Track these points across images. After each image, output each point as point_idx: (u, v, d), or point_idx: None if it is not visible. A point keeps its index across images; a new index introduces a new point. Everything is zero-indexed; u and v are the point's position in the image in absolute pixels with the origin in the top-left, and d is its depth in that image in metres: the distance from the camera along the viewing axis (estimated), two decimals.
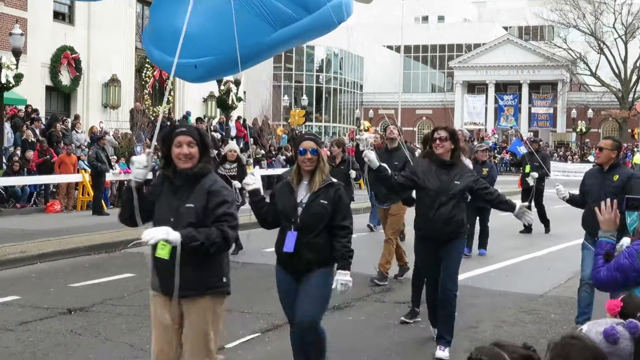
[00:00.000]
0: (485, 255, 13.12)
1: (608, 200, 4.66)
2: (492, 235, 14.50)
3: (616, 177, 7.51)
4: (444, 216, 6.82)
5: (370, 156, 6.79)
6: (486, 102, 68.84)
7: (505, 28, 75.57)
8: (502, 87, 69.44)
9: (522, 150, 18.37)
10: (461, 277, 10.98)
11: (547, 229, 17.20)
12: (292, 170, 5.56)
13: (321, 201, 5.31)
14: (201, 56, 7.19)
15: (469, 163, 8.67)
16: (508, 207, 7.06)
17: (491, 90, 69.03)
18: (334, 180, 5.45)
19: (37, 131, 23.31)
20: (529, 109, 68.23)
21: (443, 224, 6.83)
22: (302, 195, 5.41)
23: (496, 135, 65.02)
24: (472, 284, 10.48)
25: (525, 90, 68.19)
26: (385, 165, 6.94)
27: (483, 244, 13.34)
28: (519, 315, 8.60)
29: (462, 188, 6.87)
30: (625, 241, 5.84)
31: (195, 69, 7.34)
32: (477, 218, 13.15)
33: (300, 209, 5.36)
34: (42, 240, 13.02)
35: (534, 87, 68.68)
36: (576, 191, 8.15)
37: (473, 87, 70.87)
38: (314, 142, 5.49)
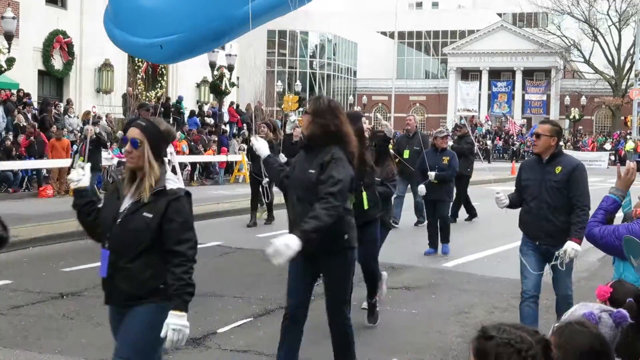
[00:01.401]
0: (448, 253, 11.69)
1: (634, 167, 4.52)
2: (483, 221, 14.51)
3: (558, 169, 6.29)
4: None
5: (257, 144, 5.75)
6: (480, 89, 68.80)
7: (500, 14, 75.46)
8: (495, 74, 69.39)
9: None
10: (453, 263, 11.06)
11: (471, 216, 16.06)
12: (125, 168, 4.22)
13: (144, 214, 3.92)
14: (167, 34, 6.52)
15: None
16: None
17: (485, 77, 68.99)
18: (173, 186, 4.01)
19: (29, 115, 23.20)
20: (523, 95, 68.25)
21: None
22: (126, 203, 4.05)
23: (489, 122, 65.09)
24: (464, 269, 10.51)
25: (518, 77, 68.18)
26: (274, 156, 5.89)
27: (444, 238, 11.79)
28: (511, 301, 8.61)
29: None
30: (570, 245, 6.11)
31: (161, 49, 6.67)
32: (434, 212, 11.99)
33: (117, 222, 4.02)
34: (34, 224, 12.99)
35: (528, 74, 68.67)
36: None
37: (467, 74, 70.82)
38: (140, 129, 4.02)
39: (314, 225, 4.84)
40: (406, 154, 13.94)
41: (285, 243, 4.66)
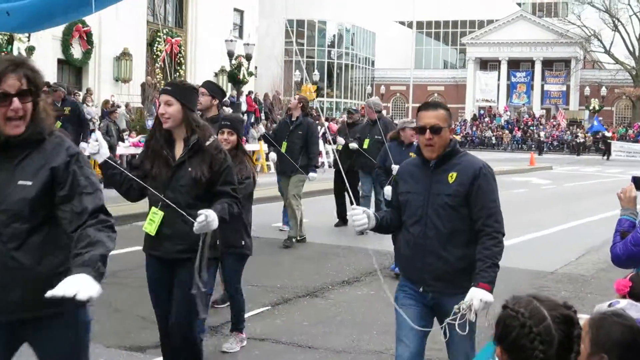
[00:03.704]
0: None
1: (630, 185, 4.24)
2: (503, 211, 14.46)
3: (452, 176, 4.21)
4: None
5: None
6: (498, 79, 68.45)
7: (519, 4, 74.91)
8: (514, 64, 68.98)
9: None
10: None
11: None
12: None
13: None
14: (14, 0, 5.77)
15: None
16: None
17: (504, 67, 68.58)
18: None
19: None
20: (542, 86, 67.80)
21: None
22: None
23: (508, 113, 64.76)
24: None
25: (538, 67, 67.71)
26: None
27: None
28: (529, 292, 8.59)
29: None
30: (476, 295, 3.95)
31: (9, 16, 5.80)
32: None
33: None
34: None
35: (547, 64, 68.18)
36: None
37: (485, 64, 70.43)
38: None
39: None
40: (366, 143, 11.98)
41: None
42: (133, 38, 32.53)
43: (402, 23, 74.38)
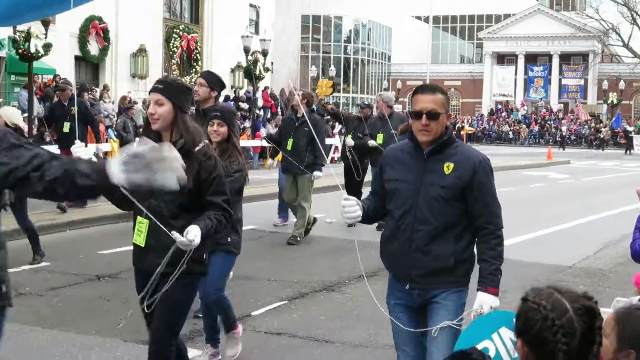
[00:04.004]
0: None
1: None
2: (520, 205, 14.38)
3: (449, 167, 3.90)
4: None
5: None
6: (515, 74, 68.15)
7: None
8: (532, 58, 68.61)
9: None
10: None
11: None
12: None
13: None
14: None
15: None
16: None
17: (521, 62, 68.24)
18: None
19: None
20: (560, 80, 67.40)
21: None
22: None
23: (525, 107, 64.47)
24: None
25: (555, 62, 67.32)
26: None
27: None
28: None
29: None
30: (485, 301, 3.81)
31: None
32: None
33: None
34: (72, 208, 13.12)
35: (565, 58, 67.75)
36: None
37: (502, 58, 70.11)
38: None
39: None
40: (379, 138, 11.96)
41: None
42: (150, 34, 32.63)
43: (419, 18, 74.18)
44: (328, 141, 29.16)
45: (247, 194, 15.45)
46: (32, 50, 21.28)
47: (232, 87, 37.20)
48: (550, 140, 54.58)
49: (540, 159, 33.40)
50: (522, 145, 54.94)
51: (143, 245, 4.22)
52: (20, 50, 20.85)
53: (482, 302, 3.82)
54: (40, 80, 23.96)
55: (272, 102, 33.78)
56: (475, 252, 4.04)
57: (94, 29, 30.07)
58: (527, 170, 27.99)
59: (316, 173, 10.93)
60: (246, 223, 12.02)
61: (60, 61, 26.48)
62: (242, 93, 34.92)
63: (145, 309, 4.20)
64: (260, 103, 33.29)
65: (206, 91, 7.05)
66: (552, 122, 59.04)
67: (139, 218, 4.23)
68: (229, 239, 5.66)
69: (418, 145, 3.97)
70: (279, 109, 31.89)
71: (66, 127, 13.05)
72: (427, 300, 4.00)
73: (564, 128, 54.71)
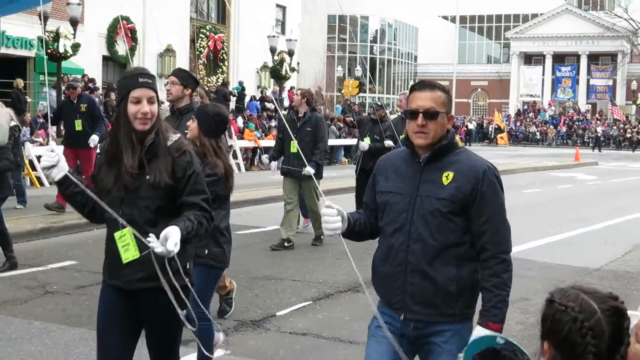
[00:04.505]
0: None
1: None
2: (547, 207, 14.29)
3: (448, 177, 3.34)
4: None
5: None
6: (543, 74, 67.63)
7: None
8: (559, 58, 68.07)
9: None
10: (515, 249, 10.86)
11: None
12: None
13: None
14: None
15: None
16: None
17: (548, 62, 67.73)
18: None
19: (96, 100, 23.62)
20: (588, 80, 66.81)
21: None
22: None
23: (553, 108, 64.00)
24: (525, 256, 10.35)
25: (583, 62, 66.74)
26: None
27: None
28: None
29: None
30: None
31: None
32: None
33: None
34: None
35: (593, 58, 67.14)
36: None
37: (530, 59, 69.63)
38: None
39: None
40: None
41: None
42: (177, 34, 32.83)
43: (445, 18, 73.88)
44: (345, 142, 29.19)
45: (270, 195, 15.54)
46: (61, 50, 21.49)
47: (258, 87, 37.34)
48: (578, 141, 54.10)
49: (567, 160, 33.15)
50: (550, 146, 54.55)
51: (138, 256, 3.56)
52: (49, 51, 21.05)
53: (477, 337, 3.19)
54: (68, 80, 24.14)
55: None
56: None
57: (121, 29, 30.28)
58: (554, 172, 27.79)
59: (307, 169, 9.95)
60: (271, 223, 12.11)
61: (88, 61, 26.74)
62: (268, 93, 35.03)
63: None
64: (286, 103, 33.37)
65: (179, 89, 6.65)
66: (580, 122, 58.52)
67: (117, 234, 3.58)
68: (207, 251, 4.99)
69: (414, 151, 3.43)
70: None
71: (78, 125, 12.79)
72: (425, 337, 3.41)
73: (599, 129, 53.87)
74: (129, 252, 3.57)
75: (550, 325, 2.32)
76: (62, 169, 3.63)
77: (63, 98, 15.51)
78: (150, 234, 3.36)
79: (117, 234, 3.59)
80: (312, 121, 10.43)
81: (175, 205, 3.61)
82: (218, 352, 5.67)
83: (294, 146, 10.01)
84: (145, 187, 3.56)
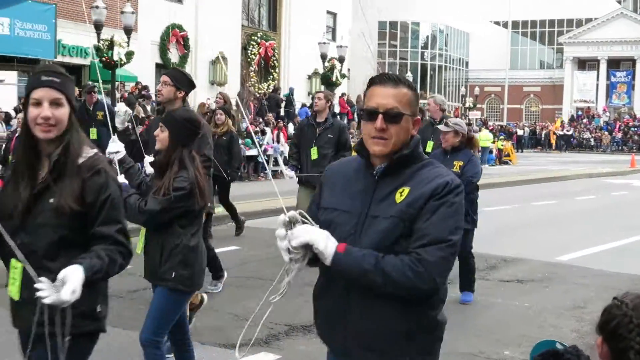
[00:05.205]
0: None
1: None
2: (601, 214, 13.97)
3: (402, 193, 2.68)
4: None
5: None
6: (597, 79, 66.53)
7: (619, 1, 72.66)
8: (614, 63, 66.91)
9: None
10: (567, 257, 10.76)
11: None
12: None
13: None
14: None
15: None
16: None
17: (603, 67, 66.62)
18: None
19: (149, 108, 24.02)
20: None
21: None
22: None
23: (607, 113, 62.94)
24: (579, 264, 10.20)
25: (639, 67, 65.51)
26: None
27: (466, 284, 8.07)
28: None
29: None
30: None
31: None
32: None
33: None
34: None
35: None
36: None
37: (584, 64, 68.58)
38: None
39: None
40: (429, 146, 9.46)
41: None
42: (228, 42, 33.15)
43: (497, 23, 73.21)
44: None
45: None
46: (115, 58, 21.86)
47: (309, 93, 37.47)
48: (634, 147, 53.07)
49: (623, 167, 32.54)
50: (604, 153, 53.64)
51: (17, 298, 3.00)
52: (103, 59, 21.42)
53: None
54: (123, 88, 24.57)
55: (349, 108, 33.88)
56: (445, 317, 2.81)
57: (174, 37, 30.77)
58: (609, 178, 27.31)
59: (288, 171, 9.41)
60: None
61: (141, 68, 27.16)
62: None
63: None
64: (337, 109, 33.46)
65: (171, 91, 6.09)
66: (635, 128, 57.44)
67: (12, 262, 2.97)
68: (174, 274, 4.49)
69: (368, 161, 2.78)
70: (355, 115, 31.96)
71: (93, 133, 11.94)
72: None
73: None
74: (13, 287, 3.01)
75: (604, 318, 2.36)
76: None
77: (79, 103, 15.20)
78: (42, 278, 2.72)
79: (13, 262, 2.98)
80: (334, 128, 9.55)
81: (85, 236, 3.00)
82: (269, 357, 5.68)
83: (315, 152, 9.40)
84: (48, 212, 2.95)
